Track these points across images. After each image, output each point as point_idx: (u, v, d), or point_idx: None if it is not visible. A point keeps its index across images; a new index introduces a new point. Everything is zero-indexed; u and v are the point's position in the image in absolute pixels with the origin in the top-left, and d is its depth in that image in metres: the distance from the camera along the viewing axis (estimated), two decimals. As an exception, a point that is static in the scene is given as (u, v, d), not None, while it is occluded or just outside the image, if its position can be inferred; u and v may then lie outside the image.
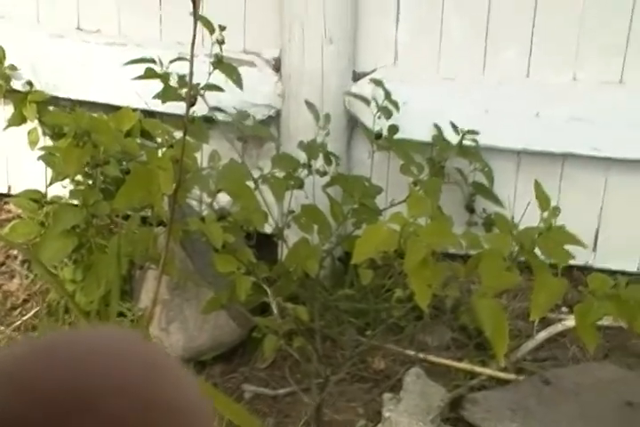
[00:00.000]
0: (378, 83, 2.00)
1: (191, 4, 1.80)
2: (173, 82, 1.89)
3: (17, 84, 2.14)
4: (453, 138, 1.96)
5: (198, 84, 1.81)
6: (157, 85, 1.89)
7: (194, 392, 0.41)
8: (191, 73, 1.68)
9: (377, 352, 1.88)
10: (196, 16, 1.60)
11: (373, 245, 1.39)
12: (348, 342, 1.87)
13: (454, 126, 1.94)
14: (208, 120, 1.95)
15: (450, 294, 1.58)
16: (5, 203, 2.31)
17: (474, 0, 1.99)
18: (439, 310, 1.86)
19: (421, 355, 1.80)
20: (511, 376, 1.80)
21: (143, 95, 2.02)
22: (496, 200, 1.98)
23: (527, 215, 1.62)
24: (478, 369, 1.77)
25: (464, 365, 1.79)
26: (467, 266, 1.60)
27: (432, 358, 1.80)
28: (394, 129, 1.98)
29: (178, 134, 1.91)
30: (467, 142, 1.94)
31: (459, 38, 2.01)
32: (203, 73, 1.79)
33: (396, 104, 1.98)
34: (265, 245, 2.03)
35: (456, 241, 1.44)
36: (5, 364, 0.39)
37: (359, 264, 1.69)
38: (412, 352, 1.82)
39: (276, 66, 2.10)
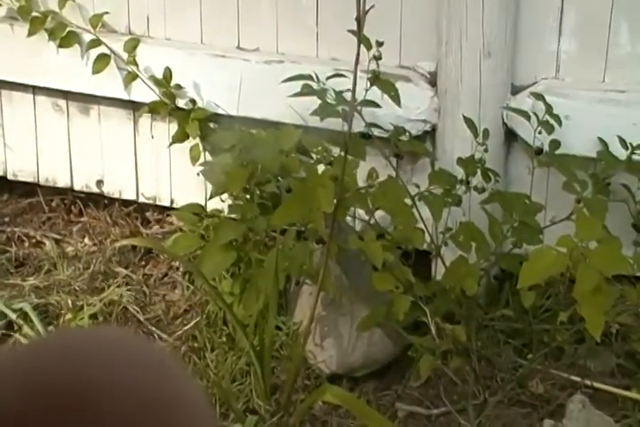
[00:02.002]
0: (538, 96, 1.94)
1: (347, 21, 1.81)
2: (330, 98, 1.90)
3: (181, 103, 2.21)
4: (620, 153, 1.88)
5: (355, 99, 1.81)
6: (313, 101, 1.91)
7: (193, 391, 0.41)
8: (354, 91, 1.69)
9: (535, 375, 1.82)
10: (360, 36, 1.61)
11: (541, 269, 1.35)
12: (505, 363, 1.82)
13: (623, 141, 1.86)
14: (364, 136, 1.95)
15: (620, 321, 1.51)
16: (168, 215, 2.39)
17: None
18: (603, 334, 1.78)
19: (587, 381, 1.72)
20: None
21: (299, 111, 2.04)
22: (667, 219, 1.88)
23: None
24: (649, 400, 1.68)
25: (633, 394, 1.70)
26: (638, 290, 1.53)
27: (597, 384, 1.72)
28: (555, 144, 1.92)
29: (335, 150, 1.93)
30: (636, 157, 1.85)
31: (627, 48, 1.92)
32: (359, 89, 1.79)
33: (557, 118, 1.92)
34: (417, 261, 2.01)
35: (628, 266, 1.37)
36: (10, 362, 0.40)
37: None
38: (575, 378, 1.75)
39: (432, 80, 2.08)
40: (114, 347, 0.41)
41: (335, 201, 1.67)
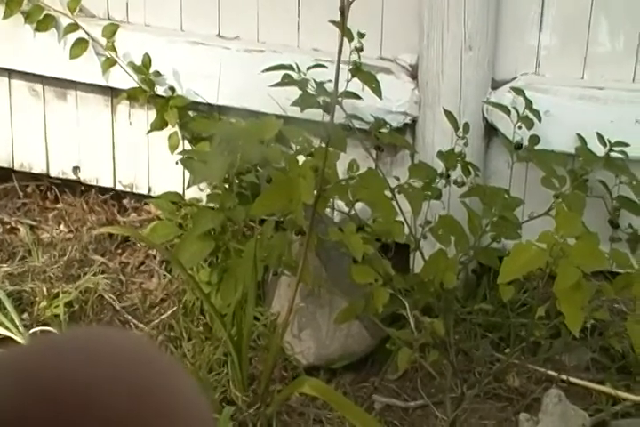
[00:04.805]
0: (518, 91, 1.95)
1: (329, 12, 1.80)
2: (311, 89, 1.89)
3: (160, 90, 2.19)
4: (598, 149, 1.89)
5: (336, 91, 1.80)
6: (293, 91, 1.90)
7: (192, 394, 0.41)
8: (337, 82, 1.68)
9: (511, 369, 1.84)
10: (344, 28, 1.60)
11: (521, 264, 1.36)
12: (482, 357, 1.84)
13: (601, 137, 1.87)
14: (345, 128, 1.94)
15: (598, 317, 1.52)
16: (145, 204, 2.37)
17: (626, 5, 1.91)
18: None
19: (563, 375, 1.74)
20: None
21: (279, 100, 2.03)
22: (643, 216, 1.90)
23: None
24: (623, 394, 1.70)
25: (606, 388, 1.72)
26: (614, 285, 1.54)
27: (573, 379, 1.74)
28: (535, 139, 1.93)
29: (315, 141, 1.92)
30: (614, 154, 1.87)
31: (607, 45, 1.93)
32: (340, 80, 1.79)
33: (537, 113, 1.93)
34: (395, 254, 2.01)
35: (607, 263, 1.39)
36: (10, 362, 0.40)
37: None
38: (551, 372, 1.77)
39: (413, 73, 2.07)
40: (116, 349, 0.41)
41: (316, 192, 1.67)
